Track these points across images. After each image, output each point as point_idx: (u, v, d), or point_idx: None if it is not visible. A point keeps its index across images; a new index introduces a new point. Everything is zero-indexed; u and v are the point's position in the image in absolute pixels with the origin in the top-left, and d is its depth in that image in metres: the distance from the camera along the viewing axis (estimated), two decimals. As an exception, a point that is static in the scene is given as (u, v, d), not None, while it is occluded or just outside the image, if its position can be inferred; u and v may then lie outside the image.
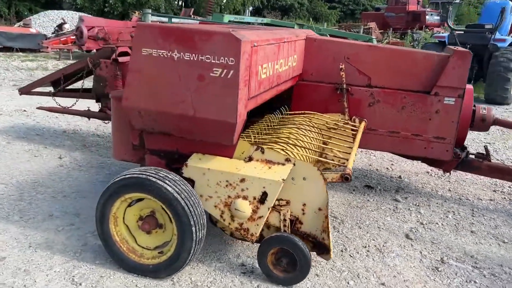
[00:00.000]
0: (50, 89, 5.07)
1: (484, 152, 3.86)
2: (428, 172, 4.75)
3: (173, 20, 10.93)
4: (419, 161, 4.23)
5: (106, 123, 5.47)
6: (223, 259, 2.86)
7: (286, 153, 2.75)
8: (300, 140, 3.06)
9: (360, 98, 3.70)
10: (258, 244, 2.64)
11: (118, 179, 2.52)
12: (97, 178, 4.10)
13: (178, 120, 2.49)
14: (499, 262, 3.00)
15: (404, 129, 3.66)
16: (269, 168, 2.56)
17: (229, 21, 11.25)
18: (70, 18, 20.14)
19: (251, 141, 2.91)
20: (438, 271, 2.86)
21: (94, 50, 14.73)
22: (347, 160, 2.75)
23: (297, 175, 2.54)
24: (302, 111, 3.67)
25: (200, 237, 2.52)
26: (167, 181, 2.45)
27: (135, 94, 2.51)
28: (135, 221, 2.66)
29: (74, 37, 14.10)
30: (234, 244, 3.03)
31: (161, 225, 2.62)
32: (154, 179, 2.44)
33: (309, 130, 3.34)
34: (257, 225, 2.56)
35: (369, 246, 3.13)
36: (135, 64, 2.47)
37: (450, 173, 4.16)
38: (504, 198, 4.14)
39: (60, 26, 17.24)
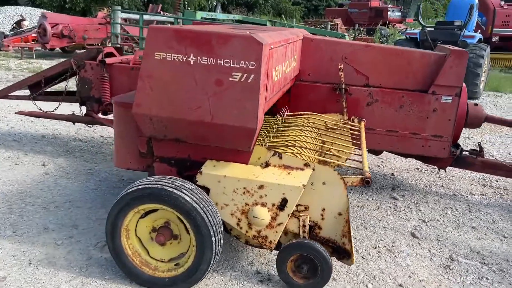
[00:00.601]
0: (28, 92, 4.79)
1: (478, 149, 3.95)
2: (418, 169, 4.83)
3: (145, 17, 10.63)
4: (409, 158, 4.30)
5: (90, 127, 5.24)
6: (237, 267, 2.78)
7: (296, 155, 2.70)
8: (307, 142, 3.02)
9: (358, 97, 3.70)
10: (272, 251, 2.58)
11: (131, 190, 2.39)
12: (88, 185, 3.91)
13: (194, 126, 2.38)
14: (505, 257, 3.08)
15: (402, 128, 3.69)
16: (288, 173, 2.50)
17: (202, 18, 11.08)
18: (29, 15, 19.31)
19: (262, 145, 2.83)
20: (450, 269, 2.89)
21: (58, 49, 14.21)
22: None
23: (316, 179, 2.49)
24: (302, 112, 3.64)
25: (219, 247, 2.43)
26: (184, 191, 2.34)
27: (147, 100, 2.38)
28: (148, 232, 2.54)
29: (35, 34, 13.52)
30: (245, 251, 2.96)
31: (176, 236, 2.51)
32: (170, 189, 2.33)
33: (314, 132, 3.31)
34: (276, 232, 2.50)
35: (378, 246, 3.13)
36: (147, 69, 2.34)
37: (445, 170, 4.24)
38: (494, 192, 4.26)
39: (18, 23, 16.45)
